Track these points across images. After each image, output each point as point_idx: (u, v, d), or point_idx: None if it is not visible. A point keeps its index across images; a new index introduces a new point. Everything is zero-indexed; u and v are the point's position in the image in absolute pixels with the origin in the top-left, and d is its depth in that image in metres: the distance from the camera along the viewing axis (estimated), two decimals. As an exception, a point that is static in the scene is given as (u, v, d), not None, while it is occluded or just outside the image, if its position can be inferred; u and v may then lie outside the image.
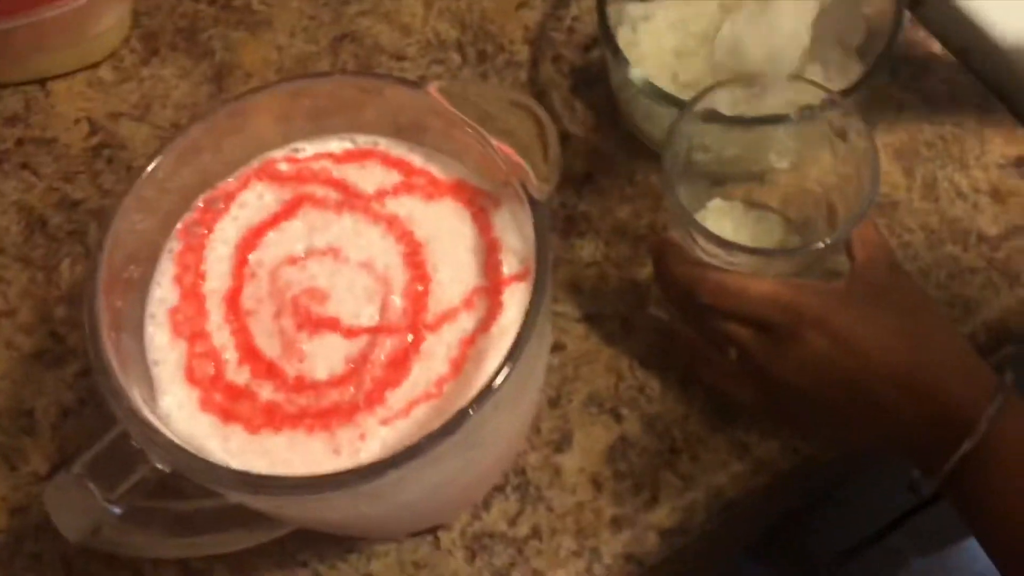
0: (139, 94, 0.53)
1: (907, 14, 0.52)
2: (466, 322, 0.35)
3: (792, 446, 0.43)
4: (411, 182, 0.37)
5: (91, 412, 0.45)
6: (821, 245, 0.37)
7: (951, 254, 0.46)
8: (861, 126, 0.38)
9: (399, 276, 0.35)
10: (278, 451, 0.33)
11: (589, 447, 0.43)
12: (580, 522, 0.42)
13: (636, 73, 0.45)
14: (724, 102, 0.41)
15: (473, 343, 0.34)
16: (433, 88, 0.35)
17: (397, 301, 0.35)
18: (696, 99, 0.39)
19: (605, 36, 0.46)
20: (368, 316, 0.35)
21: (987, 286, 0.45)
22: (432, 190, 0.37)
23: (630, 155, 0.50)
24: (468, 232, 0.36)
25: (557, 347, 0.45)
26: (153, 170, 0.35)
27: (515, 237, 0.36)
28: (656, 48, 0.48)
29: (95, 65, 0.53)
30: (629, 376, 0.44)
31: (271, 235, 0.36)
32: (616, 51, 0.46)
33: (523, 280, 0.35)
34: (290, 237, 0.36)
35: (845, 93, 0.42)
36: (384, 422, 0.33)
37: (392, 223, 0.37)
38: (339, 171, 0.38)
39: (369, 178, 0.38)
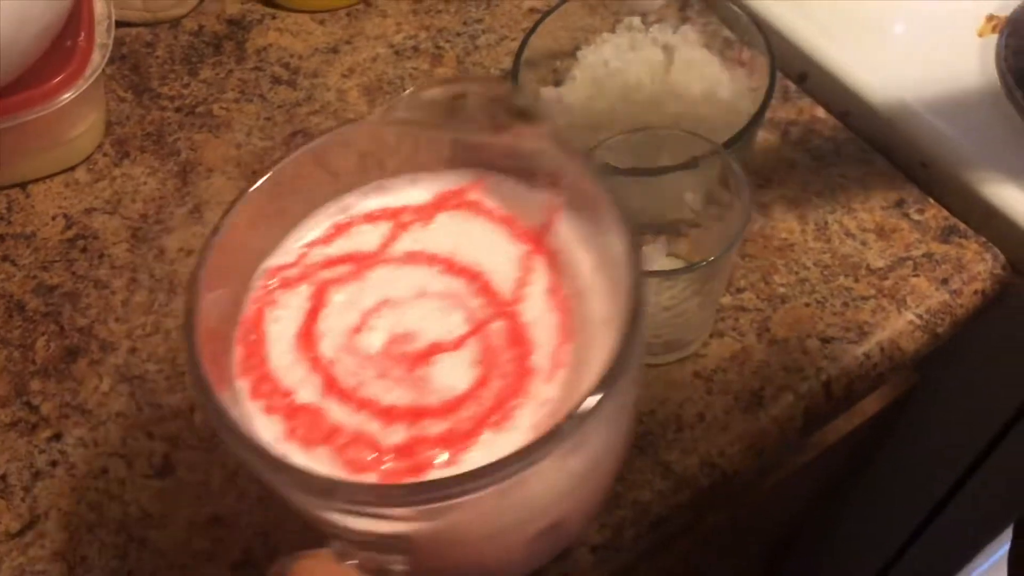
0: (111, 191, 0.58)
1: (793, 86, 0.59)
2: (538, 282, 0.36)
3: (710, 462, 0.47)
4: (400, 220, 0.39)
5: (62, 473, 0.48)
6: (703, 264, 0.42)
7: (844, 285, 0.51)
8: (738, 172, 0.44)
9: (453, 284, 0.36)
10: None
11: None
12: (518, 543, 0.45)
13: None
14: (620, 155, 0.47)
15: (560, 293, 0.35)
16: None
17: (471, 299, 0.36)
18: (591, 151, 0.45)
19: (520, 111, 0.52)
20: (458, 324, 0.35)
21: (878, 311, 0.50)
22: (418, 213, 0.39)
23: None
24: (481, 223, 0.38)
25: (493, 388, 0.49)
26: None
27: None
28: (567, 123, 0.54)
29: (72, 168, 0.59)
30: (559, 409, 0.48)
31: (320, 326, 0.36)
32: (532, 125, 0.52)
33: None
34: (337, 316, 0.36)
35: (727, 145, 0.48)
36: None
37: (413, 257, 0.38)
38: (332, 249, 0.39)
39: (365, 239, 0.39)
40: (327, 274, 0.37)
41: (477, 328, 0.35)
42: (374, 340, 0.35)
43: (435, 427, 0.33)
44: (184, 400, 0.50)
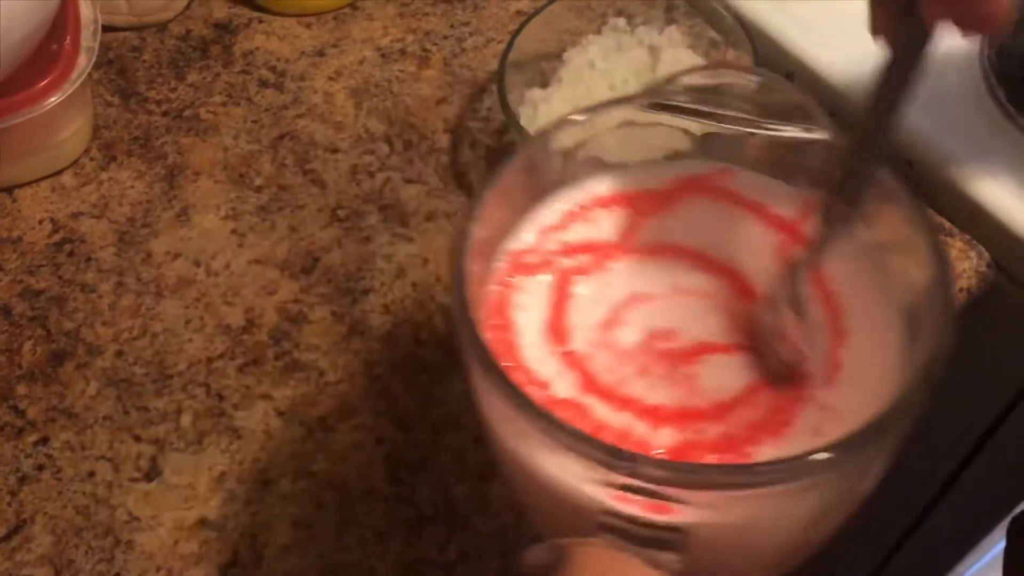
0: (98, 195, 0.58)
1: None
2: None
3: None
4: (638, 207, 0.37)
5: (48, 477, 0.48)
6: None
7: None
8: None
9: (709, 282, 0.35)
10: None
11: (512, 476, 0.47)
12: (505, 543, 0.45)
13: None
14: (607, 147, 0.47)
15: (825, 288, 0.34)
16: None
17: (733, 301, 0.34)
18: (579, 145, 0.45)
19: (508, 116, 0.52)
20: (724, 327, 0.34)
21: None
22: (656, 200, 0.37)
23: (541, 220, 0.55)
24: (728, 210, 0.36)
25: (480, 389, 0.49)
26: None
27: None
28: (555, 124, 0.54)
29: (58, 173, 0.59)
30: (546, 410, 0.49)
31: (569, 319, 0.35)
32: (519, 128, 0.52)
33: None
34: (585, 310, 0.35)
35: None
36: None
37: (658, 250, 0.36)
38: (569, 235, 0.37)
39: (602, 226, 0.37)
40: (567, 262, 0.36)
41: (751, 339, 0.33)
42: (629, 336, 0.34)
43: (710, 430, 0.31)
44: (172, 404, 0.50)
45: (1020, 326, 0.54)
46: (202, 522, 0.46)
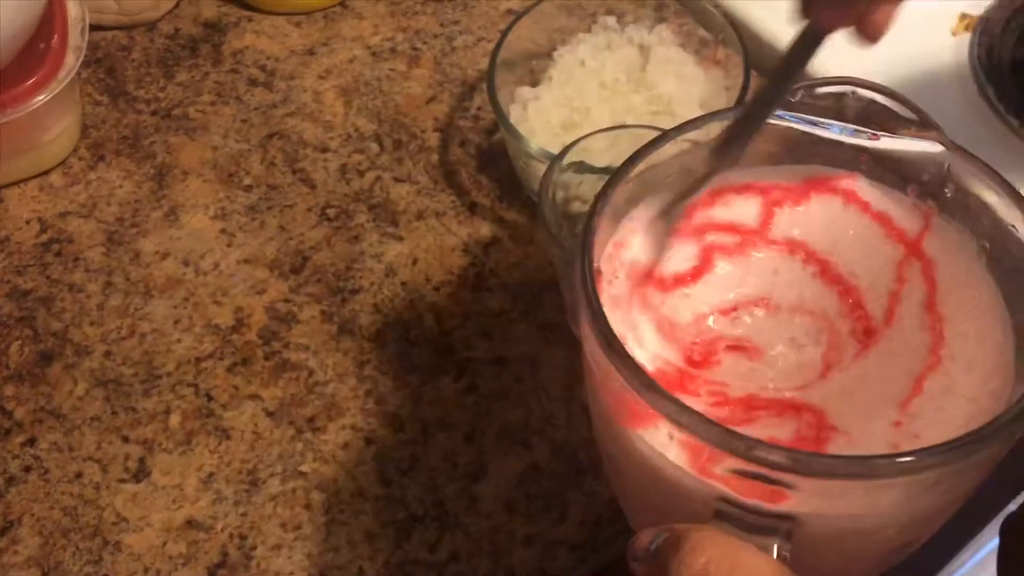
0: (87, 194, 0.58)
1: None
2: (913, 294, 0.35)
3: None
4: (771, 197, 0.37)
5: (35, 479, 0.48)
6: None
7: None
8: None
9: (826, 299, 0.35)
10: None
11: (502, 475, 0.47)
12: (495, 543, 0.45)
13: (527, 141, 0.51)
14: (595, 153, 0.47)
15: (935, 311, 0.34)
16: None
17: (841, 322, 0.35)
18: (564, 151, 0.45)
19: (498, 115, 0.52)
20: (814, 357, 0.35)
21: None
22: (789, 192, 0.37)
23: (530, 219, 0.55)
24: (857, 215, 0.36)
25: (471, 388, 0.49)
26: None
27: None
28: (544, 123, 0.54)
29: (46, 172, 0.59)
30: (537, 408, 0.48)
31: (698, 287, 0.36)
32: (509, 126, 0.52)
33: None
34: (717, 286, 0.36)
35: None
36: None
37: (795, 247, 0.37)
38: (715, 213, 0.38)
39: (743, 211, 0.37)
40: (714, 238, 0.37)
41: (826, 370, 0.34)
42: (729, 330, 0.35)
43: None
44: (160, 404, 0.50)
45: None
46: (190, 523, 0.46)
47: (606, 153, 0.49)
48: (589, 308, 0.31)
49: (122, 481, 0.48)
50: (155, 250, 0.55)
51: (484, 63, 0.61)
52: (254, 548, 0.45)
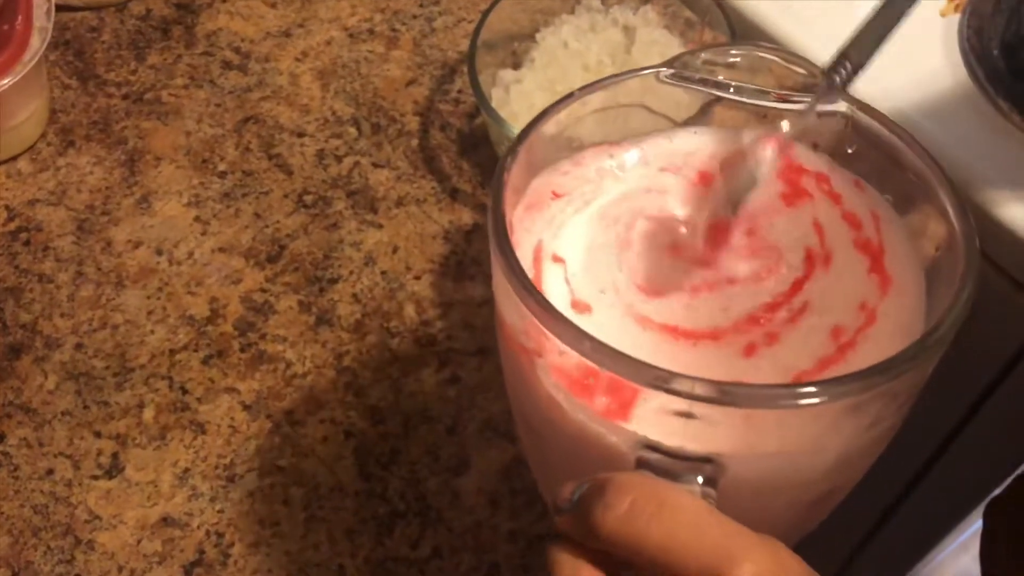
0: (55, 181, 0.56)
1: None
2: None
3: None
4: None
5: (4, 475, 0.47)
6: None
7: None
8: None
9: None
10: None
11: (486, 469, 0.46)
12: (479, 539, 0.44)
13: (509, 126, 0.50)
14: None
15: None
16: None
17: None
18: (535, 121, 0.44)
19: (479, 99, 0.51)
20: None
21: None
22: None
23: (514, 205, 0.54)
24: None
25: (453, 380, 0.48)
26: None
27: None
28: (527, 107, 0.53)
29: (14, 158, 0.57)
30: (520, 400, 0.47)
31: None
32: (490, 110, 0.51)
33: None
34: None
35: (685, 124, 0.47)
36: None
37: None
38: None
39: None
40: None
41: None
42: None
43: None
44: (134, 398, 0.49)
45: (998, 311, 0.54)
46: (165, 520, 0.45)
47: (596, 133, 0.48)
48: (500, 251, 0.29)
49: (94, 477, 0.46)
50: (127, 239, 0.54)
51: (465, 45, 0.60)
52: (231, 546, 0.44)
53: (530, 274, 0.30)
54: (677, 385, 0.27)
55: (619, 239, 0.32)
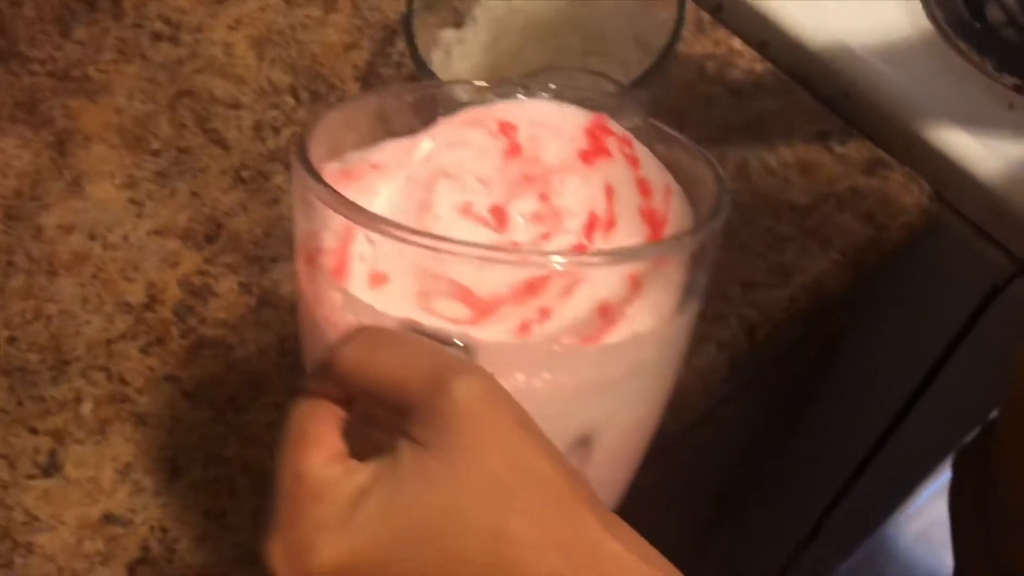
0: (-20, 167, 0.53)
1: (708, 17, 0.56)
2: None
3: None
4: None
5: (-60, 478, 0.45)
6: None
7: (766, 226, 0.49)
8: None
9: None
10: None
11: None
12: (434, 521, 0.43)
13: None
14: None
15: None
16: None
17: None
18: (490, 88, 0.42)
19: (416, 63, 0.48)
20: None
21: (802, 252, 0.48)
22: None
23: (461, 172, 0.52)
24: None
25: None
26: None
27: None
28: (469, 68, 0.51)
29: (-65, 145, 0.54)
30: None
31: None
32: (431, 76, 0.48)
33: None
34: None
35: (634, 86, 0.45)
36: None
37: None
38: None
39: None
40: None
41: None
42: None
43: None
44: (70, 391, 0.47)
45: (963, 257, 0.52)
46: (107, 518, 0.43)
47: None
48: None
49: (31, 477, 0.44)
50: (58, 224, 0.51)
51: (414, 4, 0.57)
52: (177, 541, 0.43)
53: (338, 244, 0.29)
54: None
55: (419, 203, 0.31)
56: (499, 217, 0.31)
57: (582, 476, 0.25)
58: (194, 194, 0.52)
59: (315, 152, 0.30)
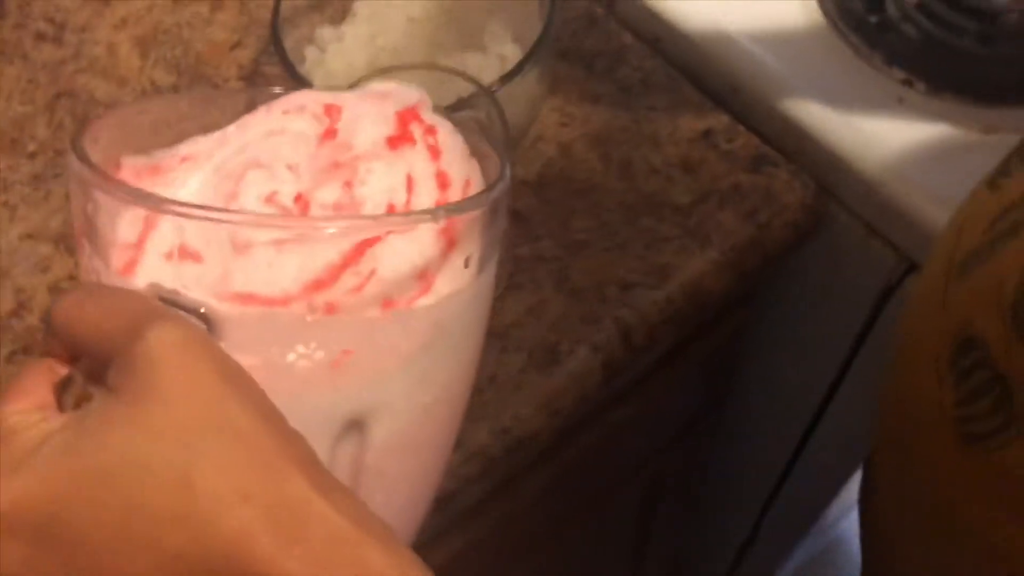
0: None
1: (600, 12, 0.55)
2: None
3: (502, 428, 0.43)
4: None
5: None
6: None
7: (647, 226, 0.48)
8: (496, 116, 0.40)
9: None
10: None
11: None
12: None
13: (313, 88, 0.46)
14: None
15: None
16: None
17: None
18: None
19: (283, 64, 0.47)
20: None
21: (681, 251, 0.47)
22: None
23: (341, 172, 0.50)
24: None
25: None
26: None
27: None
28: (346, 66, 0.49)
29: None
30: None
31: None
32: (297, 77, 0.47)
33: None
34: None
35: (503, 80, 0.44)
36: None
37: None
38: None
39: None
40: None
41: None
42: None
43: None
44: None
45: (856, 255, 0.51)
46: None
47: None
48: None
49: None
50: (-71, 230, 0.50)
51: (295, 1, 0.55)
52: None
53: (137, 238, 0.28)
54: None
55: (226, 194, 0.29)
56: (302, 206, 0.30)
57: (300, 438, 0.24)
58: (69, 198, 0.51)
59: (103, 145, 0.29)
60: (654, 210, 0.48)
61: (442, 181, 0.30)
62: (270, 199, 0.30)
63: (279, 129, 0.32)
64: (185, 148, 0.31)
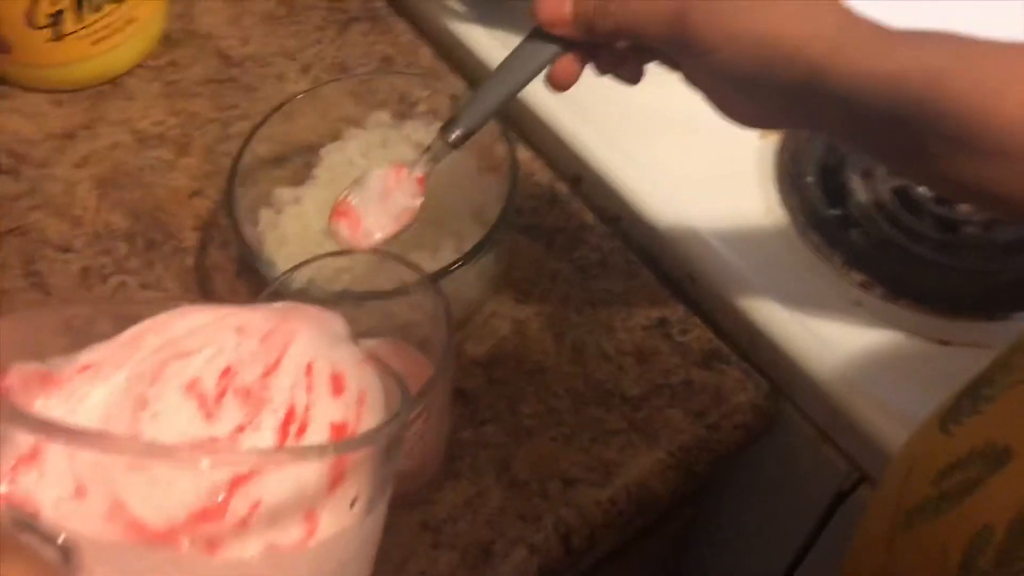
0: None
1: (565, 190, 0.55)
2: None
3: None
4: None
5: None
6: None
7: (595, 416, 0.46)
8: (440, 308, 0.38)
9: None
10: None
11: None
12: None
13: (256, 256, 0.45)
14: (325, 275, 0.42)
15: None
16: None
17: None
18: (291, 271, 0.40)
19: (231, 221, 0.46)
20: None
21: (627, 447, 0.45)
22: None
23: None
24: None
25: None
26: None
27: None
28: (301, 229, 0.49)
29: None
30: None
31: None
32: (242, 239, 0.46)
33: None
34: None
35: (436, 276, 0.43)
36: None
37: None
38: None
39: None
40: None
41: None
42: None
43: None
44: None
45: (809, 458, 0.50)
46: None
47: (346, 274, 0.43)
48: None
49: None
50: None
51: (263, 151, 0.55)
52: None
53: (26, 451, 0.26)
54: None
55: (135, 400, 0.28)
56: (220, 391, 0.28)
57: None
58: (2, 341, 0.49)
59: None
60: (603, 399, 0.47)
61: (336, 385, 0.28)
62: (191, 387, 0.28)
63: (200, 327, 0.31)
64: (86, 356, 0.30)
